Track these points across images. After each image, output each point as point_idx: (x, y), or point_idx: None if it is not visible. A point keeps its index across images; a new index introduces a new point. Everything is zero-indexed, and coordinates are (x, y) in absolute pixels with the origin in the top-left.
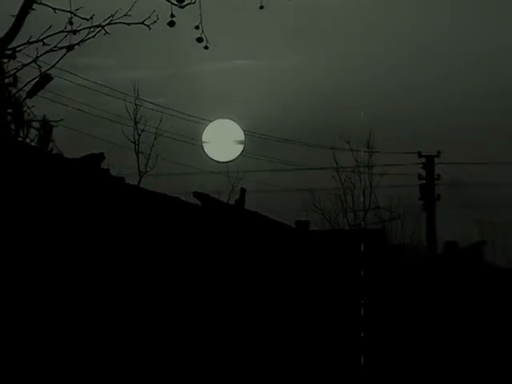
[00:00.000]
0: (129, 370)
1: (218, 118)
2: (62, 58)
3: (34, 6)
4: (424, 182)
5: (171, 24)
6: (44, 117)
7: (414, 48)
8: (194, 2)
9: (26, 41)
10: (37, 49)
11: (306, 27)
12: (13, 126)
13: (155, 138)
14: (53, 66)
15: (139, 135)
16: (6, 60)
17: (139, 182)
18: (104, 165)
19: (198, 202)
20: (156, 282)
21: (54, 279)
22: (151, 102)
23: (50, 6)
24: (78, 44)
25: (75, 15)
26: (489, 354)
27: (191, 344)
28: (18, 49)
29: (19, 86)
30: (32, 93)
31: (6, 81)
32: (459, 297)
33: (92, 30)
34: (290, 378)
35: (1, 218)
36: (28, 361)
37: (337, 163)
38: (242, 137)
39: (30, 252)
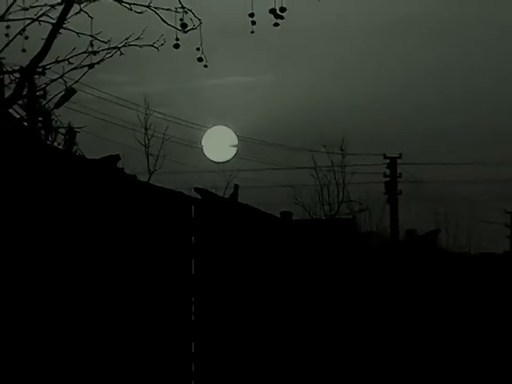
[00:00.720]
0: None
1: (215, 125)
2: (84, 74)
3: (60, 31)
4: (388, 179)
5: (176, 46)
6: (69, 124)
7: (383, 65)
8: (195, 28)
9: (54, 60)
10: (63, 67)
11: (289, 48)
12: (43, 132)
13: (162, 142)
14: (76, 82)
15: (149, 140)
16: (37, 76)
17: (149, 179)
18: (119, 164)
19: (199, 196)
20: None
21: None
22: (159, 112)
23: (74, 31)
24: (97, 63)
25: (95, 38)
26: (441, 330)
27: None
28: (47, 67)
29: (48, 98)
30: (59, 104)
31: (37, 94)
32: (417, 276)
33: (109, 51)
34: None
35: (35, 210)
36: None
37: (315, 164)
38: (235, 141)
39: (63, 240)
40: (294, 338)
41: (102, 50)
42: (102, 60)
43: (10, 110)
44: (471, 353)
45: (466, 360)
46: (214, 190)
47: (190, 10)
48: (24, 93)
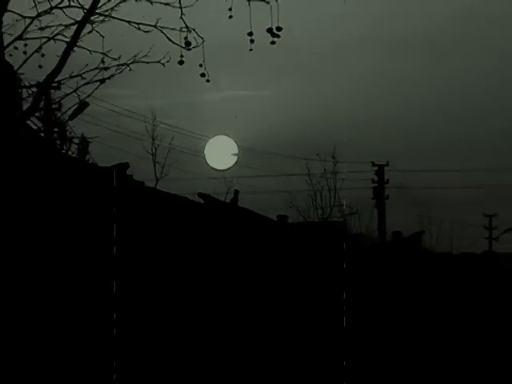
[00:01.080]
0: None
1: (217, 135)
2: (96, 88)
3: (74, 49)
4: (376, 185)
5: (181, 63)
6: (82, 134)
7: (371, 83)
8: (198, 46)
9: (68, 75)
10: (77, 82)
11: (286, 64)
12: (58, 142)
13: (168, 151)
14: (89, 95)
15: (156, 149)
16: (52, 90)
17: (156, 185)
18: (129, 172)
19: (202, 201)
20: (168, 269)
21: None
22: (165, 123)
23: (86, 49)
24: (108, 78)
25: (106, 56)
26: (424, 326)
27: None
28: (62, 82)
29: (63, 110)
30: (73, 116)
31: (53, 106)
32: (403, 274)
33: (119, 67)
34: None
35: (54, 209)
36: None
37: (309, 171)
38: (235, 150)
39: (79, 233)
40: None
41: (113, 67)
42: (112, 75)
43: (28, 122)
44: (455, 349)
45: (449, 356)
46: (215, 196)
47: (194, 30)
48: (41, 106)
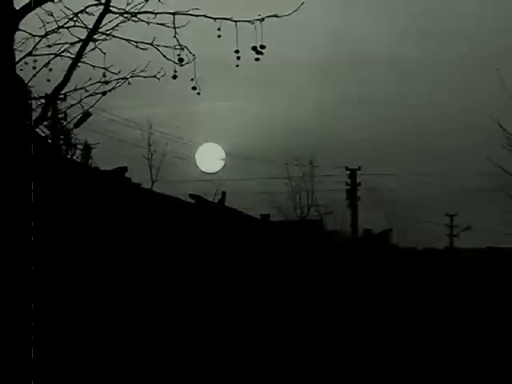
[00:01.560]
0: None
1: (206, 142)
2: (98, 100)
3: (78, 64)
4: (349, 187)
5: (174, 77)
6: (85, 141)
7: (341, 94)
8: (190, 62)
9: (73, 88)
10: (81, 94)
11: (268, 78)
12: (64, 148)
13: (162, 156)
14: (92, 106)
15: (152, 154)
16: (59, 102)
17: (151, 187)
18: (127, 175)
19: (193, 201)
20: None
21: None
22: (160, 131)
23: (90, 64)
24: (109, 91)
25: (107, 70)
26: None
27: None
28: (67, 94)
29: (68, 120)
30: (77, 125)
31: (59, 116)
32: (372, 266)
33: (119, 81)
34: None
35: (58, 212)
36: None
37: (289, 174)
38: (223, 155)
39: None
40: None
41: (113, 80)
42: (113, 88)
43: (37, 130)
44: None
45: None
46: (205, 196)
47: (186, 47)
48: (48, 115)
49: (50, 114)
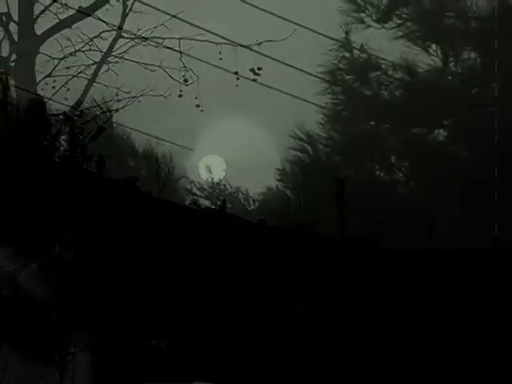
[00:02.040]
0: None
1: (209, 154)
2: (111, 117)
3: (93, 84)
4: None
5: (180, 96)
6: (100, 154)
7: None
8: (194, 83)
9: (88, 106)
10: (95, 111)
11: (265, 96)
12: (80, 160)
13: (169, 168)
14: (105, 122)
15: (159, 165)
16: (76, 118)
17: (159, 195)
18: (138, 184)
19: (197, 208)
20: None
21: None
22: (166, 144)
23: (104, 84)
24: (121, 108)
25: (119, 90)
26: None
27: None
28: (83, 111)
29: (84, 134)
30: (92, 138)
31: (76, 131)
32: None
33: (130, 99)
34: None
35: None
36: None
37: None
38: (224, 167)
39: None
40: None
41: (125, 99)
42: (124, 106)
43: (56, 144)
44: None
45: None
46: (208, 204)
47: (191, 69)
48: (66, 130)
49: (67, 129)
